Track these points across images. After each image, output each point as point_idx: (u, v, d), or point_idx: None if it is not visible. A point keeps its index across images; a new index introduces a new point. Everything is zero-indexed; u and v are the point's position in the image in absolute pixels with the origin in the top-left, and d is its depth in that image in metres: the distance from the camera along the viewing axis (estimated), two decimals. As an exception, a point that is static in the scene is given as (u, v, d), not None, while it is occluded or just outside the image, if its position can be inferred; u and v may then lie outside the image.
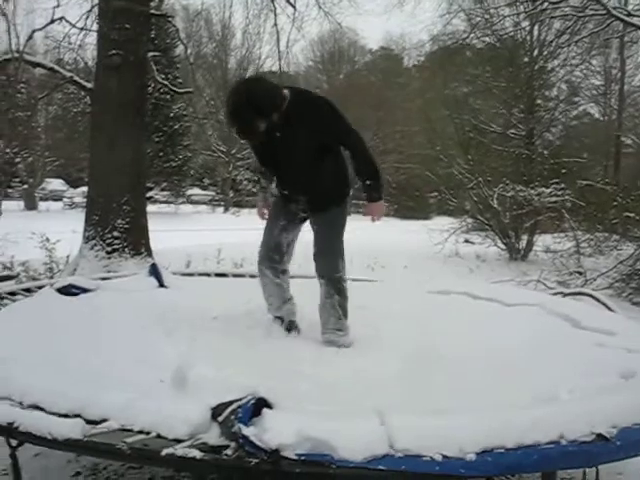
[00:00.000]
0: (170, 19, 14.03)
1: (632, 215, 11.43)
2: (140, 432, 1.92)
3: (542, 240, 15.35)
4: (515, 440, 1.93)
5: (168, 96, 27.57)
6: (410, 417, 2.03)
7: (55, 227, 11.11)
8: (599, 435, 2.00)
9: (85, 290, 4.29)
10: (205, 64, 39.88)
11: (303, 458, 1.75)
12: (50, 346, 2.95)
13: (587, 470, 2.36)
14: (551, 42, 17.81)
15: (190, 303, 4.18)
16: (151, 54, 10.74)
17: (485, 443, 1.90)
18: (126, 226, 9.16)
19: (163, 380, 2.59)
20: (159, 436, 1.86)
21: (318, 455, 1.77)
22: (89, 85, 10.05)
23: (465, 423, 1.98)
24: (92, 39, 11.04)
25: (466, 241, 16.99)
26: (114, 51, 8.98)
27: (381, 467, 1.77)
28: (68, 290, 4.23)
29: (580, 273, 11.34)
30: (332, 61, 49.99)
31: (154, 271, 4.82)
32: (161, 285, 4.70)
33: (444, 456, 1.81)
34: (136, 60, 9.23)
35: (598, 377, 2.57)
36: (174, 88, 14.55)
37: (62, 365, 2.60)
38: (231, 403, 1.87)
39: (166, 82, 13.47)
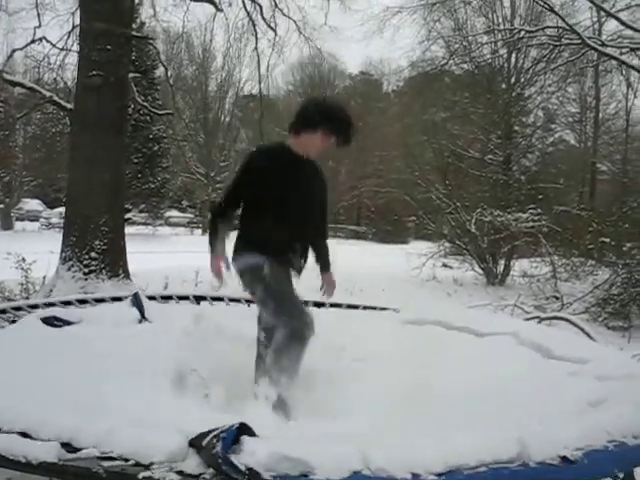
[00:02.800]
0: (151, 41, 14.10)
1: (607, 240, 11.58)
2: (118, 459, 1.90)
3: (519, 265, 15.48)
4: (483, 461, 1.96)
5: (148, 117, 27.54)
6: (385, 443, 2.05)
7: (32, 247, 10.97)
8: (563, 457, 2.05)
9: (68, 323, 4.27)
10: (185, 86, 39.97)
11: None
12: (33, 376, 2.93)
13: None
14: (528, 70, 18.15)
15: (173, 335, 4.15)
16: (131, 75, 10.75)
17: (454, 464, 1.93)
18: (104, 247, 9.10)
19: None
20: (137, 464, 1.84)
21: (296, 477, 1.76)
22: (69, 105, 10.04)
23: (435, 446, 2.00)
24: (72, 59, 11.08)
25: (444, 265, 17.07)
26: (94, 72, 8.98)
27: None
28: (51, 322, 4.21)
29: (557, 298, 11.45)
30: (312, 85, 50.25)
31: (136, 302, 4.79)
32: (143, 317, 4.67)
33: (414, 475, 1.83)
34: (116, 81, 9.23)
35: (568, 406, 2.60)
36: (154, 109, 14.54)
37: (44, 394, 2.57)
38: (211, 432, 1.86)
39: (146, 103, 13.51)
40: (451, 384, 3.39)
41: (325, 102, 3.79)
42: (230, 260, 3.58)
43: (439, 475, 1.88)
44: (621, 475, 2.39)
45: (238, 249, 3.60)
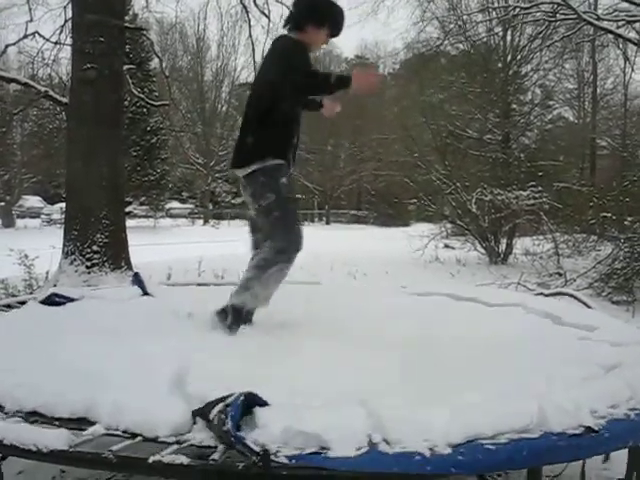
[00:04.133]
0: (145, 32, 14.04)
1: (609, 215, 11.56)
2: (124, 434, 1.91)
3: (521, 243, 15.48)
4: (504, 434, 1.94)
5: (144, 109, 27.52)
6: (399, 411, 2.03)
7: (33, 244, 10.99)
8: (587, 427, 2.01)
9: (70, 299, 4.27)
10: (181, 77, 39.89)
11: (294, 461, 1.74)
12: (38, 352, 2.93)
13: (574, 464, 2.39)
14: (524, 47, 18.05)
15: (176, 307, 4.15)
16: (126, 67, 10.71)
17: (472, 434, 1.91)
18: (105, 240, 9.10)
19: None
20: (144, 439, 1.85)
21: (310, 456, 1.76)
22: (64, 100, 10.01)
23: (451, 416, 1.98)
24: (66, 54, 11.04)
25: (446, 246, 17.07)
26: (89, 65, 8.94)
27: (373, 469, 1.76)
28: (52, 300, 4.21)
29: (560, 274, 11.45)
30: (308, 71, 50.07)
31: (137, 280, 4.80)
32: (145, 293, 4.67)
33: (432, 452, 1.81)
34: (111, 74, 9.19)
35: (581, 369, 2.59)
36: (150, 101, 14.51)
37: (51, 370, 2.58)
38: (219, 401, 1.86)
39: (142, 95, 13.44)
40: (462, 350, 3.37)
41: None
42: (246, 159, 3.40)
43: (457, 447, 1.87)
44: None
45: (258, 149, 3.38)
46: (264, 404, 1.94)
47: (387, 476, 1.79)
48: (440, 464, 1.80)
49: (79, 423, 2.04)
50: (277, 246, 3.28)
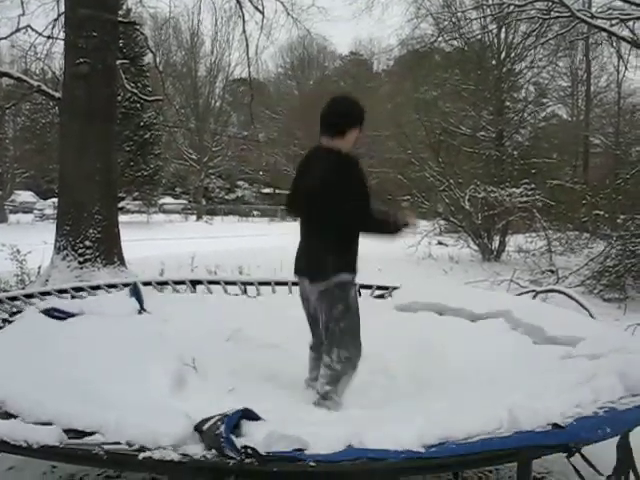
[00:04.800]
0: (138, 27, 14.00)
1: (601, 213, 11.60)
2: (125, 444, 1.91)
3: (514, 240, 15.52)
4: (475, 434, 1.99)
5: (138, 105, 27.41)
6: (377, 420, 2.08)
7: (26, 239, 10.96)
8: (554, 425, 2.07)
9: (70, 314, 4.28)
10: (174, 72, 39.76)
11: (278, 455, 1.76)
12: (40, 368, 2.96)
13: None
14: (518, 44, 18.04)
15: (171, 324, 4.19)
16: (119, 62, 10.67)
17: (444, 437, 1.96)
18: (98, 235, 9.07)
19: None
20: (142, 448, 1.85)
21: (293, 452, 1.78)
22: (57, 94, 9.97)
23: (425, 420, 2.03)
24: (59, 48, 10.99)
25: (439, 243, 17.09)
26: (82, 59, 8.91)
27: (351, 458, 1.79)
28: (52, 314, 4.22)
29: (552, 271, 11.48)
30: (302, 67, 50.07)
31: (135, 292, 4.81)
32: (142, 308, 4.70)
33: (407, 450, 1.85)
34: (104, 68, 9.16)
35: (558, 385, 2.63)
36: (143, 96, 14.46)
37: (53, 384, 2.59)
38: (215, 416, 1.87)
39: (135, 90, 13.39)
40: (442, 366, 3.44)
41: (353, 99, 3.91)
42: (324, 274, 3.56)
43: (430, 447, 1.90)
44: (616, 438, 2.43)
45: (337, 265, 3.58)
46: (257, 419, 1.97)
47: (364, 464, 1.82)
48: (414, 453, 1.84)
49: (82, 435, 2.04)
50: (345, 355, 3.54)
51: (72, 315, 4.30)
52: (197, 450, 1.82)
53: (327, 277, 3.53)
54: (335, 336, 3.57)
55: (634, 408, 2.37)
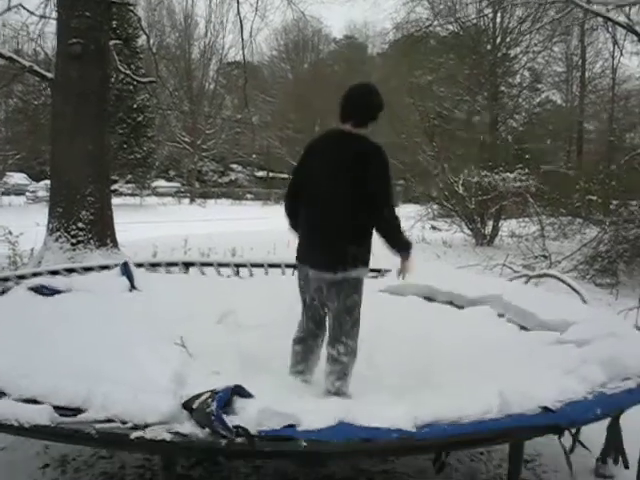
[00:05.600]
0: (131, 8, 13.87)
1: (594, 198, 11.62)
2: (112, 420, 1.90)
3: (507, 225, 15.53)
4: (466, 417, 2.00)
5: (131, 87, 27.20)
6: (368, 401, 2.08)
7: (18, 221, 10.91)
8: (544, 408, 2.08)
9: (58, 291, 4.25)
10: (168, 54, 39.43)
11: (271, 435, 1.75)
12: (28, 344, 2.93)
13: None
14: (513, 29, 17.97)
15: (162, 301, 4.17)
16: (112, 43, 10.58)
17: (436, 417, 1.96)
18: (91, 217, 9.04)
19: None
20: (133, 427, 1.85)
21: (284, 429, 1.78)
22: (50, 75, 9.88)
23: (416, 402, 2.03)
24: (52, 28, 10.85)
25: (433, 227, 17.10)
26: (74, 40, 8.82)
27: (342, 437, 1.79)
28: (41, 290, 4.19)
29: (545, 256, 11.51)
30: (296, 50, 49.77)
31: (126, 271, 4.76)
32: (132, 287, 4.66)
33: (399, 430, 1.85)
34: (97, 49, 9.08)
35: (546, 371, 2.63)
36: (137, 77, 14.35)
37: (39, 362, 2.57)
38: (205, 393, 1.86)
39: (128, 72, 13.28)
40: (432, 351, 3.45)
41: (379, 93, 3.80)
42: (341, 266, 3.52)
43: (422, 427, 1.89)
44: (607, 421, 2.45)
45: (355, 258, 3.54)
46: (249, 396, 1.95)
47: (359, 447, 1.82)
48: (407, 432, 1.84)
49: (73, 411, 2.03)
50: (352, 346, 3.56)
51: (60, 292, 4.27)
52: (187, 428, 1.82)
53: (345, 269, 3.49)
54: (345, 327, 3.56)
55: (622, 392, 2.39)
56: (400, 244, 3.59)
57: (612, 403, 2.36)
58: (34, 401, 2.05)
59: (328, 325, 3.67)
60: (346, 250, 3.48)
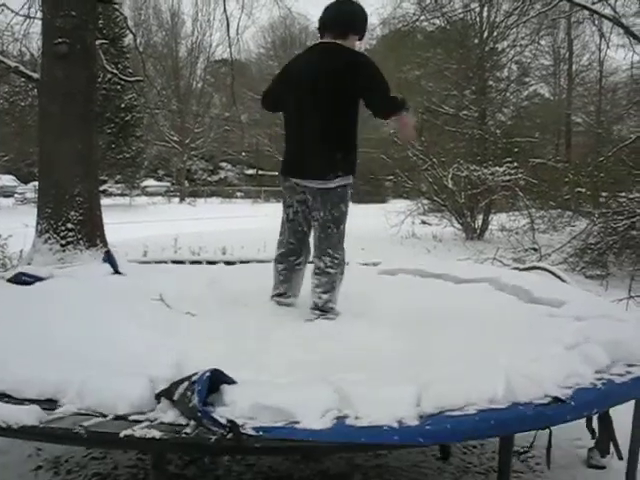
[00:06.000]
0: (117, 6, 13.79)
1: (583, 191, 11.65)
2: (89, 412, 1.88)
3: (497, 219, 15.59)
4: (471, 405, 1.95)
5: (119, 86, 27.11)
6: (367, 387, 2.04)
7: (7, 223, 10.87)
8: (554, 398, 2.03)
9: (38, 278, 4.19)
10: (155, 53, 39.36)
11: (262, 432, 1.74)
12: (5, 330, 2.88)
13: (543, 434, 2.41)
14: (500, 23, 17.99)
15: (146, 286, 4.12)
16: (99, 42, 10.52)
17: (439, 407, 1.92)
18: (80, 218, 8.98)
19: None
20: (115, 417, 1.83)
21: (278, 428, 1.76)
22: (35, 75, 9.82)
23: (418, 390, 1.99)
24: (37, 28, 10.79)
25: (423, 222, 17.12)
26: (60, 39, 8.76)
27: (340, 439, 1.76)
28: (20, 279, 4.12)
29: (535, 249, 11.56)
30: (284, 47, 49.65)
31: (109, 258, 4.71)
32: (116, 272, 4.60)
33: (400, 424, 1.82)
34: (83, 48, 9.02)
35: (546, 345, 2.60)
36: (124, 77, 14.30)
37: (18, 350, 2.54)
38: (184, 380, 1.84)
39: (115, 71, 13.23)
40: (430, 328, 3.41)
41: (357, 4, 3.91)
42: (332, 173, 3.53)
43: (424, 418, 1.87)
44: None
45: (346, 165, 3.57)
46: (231, 382, 1.93)
47: (356, 447, 1.80)
48: (408, 434, 1.81)
49: (49, 403, 2.00)
50: (338, 257, 3.60)
51: (41, 279, 4.21)
52: (171, 419, 1.80)
53: (336, 176, 3.48)
54: (332, 238, 3.56)
55: (631, 381, 2.34)
56: (400, 108, 3.59)
57: (621, 393, 2.31)
58: (6, 395, 2.02)
59: (313, 238, 3.66)
60: (335, 156, 3.48)
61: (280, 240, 3.82)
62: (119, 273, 4.58)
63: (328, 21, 3.67)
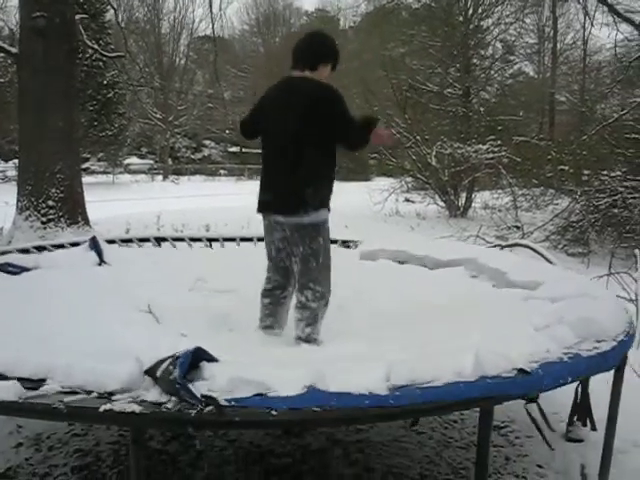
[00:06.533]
0: (98, -19, 13.60)
1: (566, 169, 11.69)
2: (77, 392, 1.87)
3: (481, 197, 15.64)
4: (441, 379, 1.99)
5: (100, 63, 26.75)
6: (340, 364, 2.06)
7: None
8: (520, 369, 2.08)
9: (25, 269, 4.17)
10: (137, 29, 38.89)
11: (240, 404, 1.74)
12: None
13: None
14: (485, 0, 17.95)
15: (131, 276, 4.12)
16: (79, 17, 10.37)
17: (412, 380, 1.94)
18: (61, 195, 8.92)
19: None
20: (98, 395, 1.82)
21: (253, 398, 1.77)
22: (14, 50, 9.67)
23: (388, 364, 2.01)
24: (14, 1, 10.63)
25: (406, 200, 17.14)
26: (38, 13, 8.63)
27: (315, 406, 1.78)
28: (5, 269, 4.11)
29: (518, 227, 11.62)
30: (267, 24, 49.31)
31: (94, 245, 4.68)
32: (102, 261, 4.59)
33: (371, 393, 1.85)
34: (63, 23, 8.90)
35: (519, 329, 2.63)
36: (105, 52, 14.12)
37: (5, 334, 2.52)
38: (168, 358, 1.83)
39: (96, 46, 13.06)
40: (404, 310, 3.45)
41: (328, 35, 3.89)
42: (302, 208, 3.51)
43: (394, 390, 1.89)
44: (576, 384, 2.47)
45: (316, 199, 3.54)
46: (212, 360, 1.93)
47: (328, 411, 1.82)
48: (378, 398, 1.83)
49: (34, 382, 1.99)
50: (320, 291, 3.57)
51: (27, 269, 4.20)
52: (154, 396, 1.80)
53: (307, 212, 3.49)
54: (312, 272, 3.56)
55: (598, 355, 2.39)
56: (365, 138, 3.58)
57: (588, 366, 2.35)
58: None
59: (296, 273, 3.66)
60: (306, 193, 3.48)
61: (267, 277, 3.87)
62: (104, 262, 4.57)
63: (299, 53, 3.70)
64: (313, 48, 3.71)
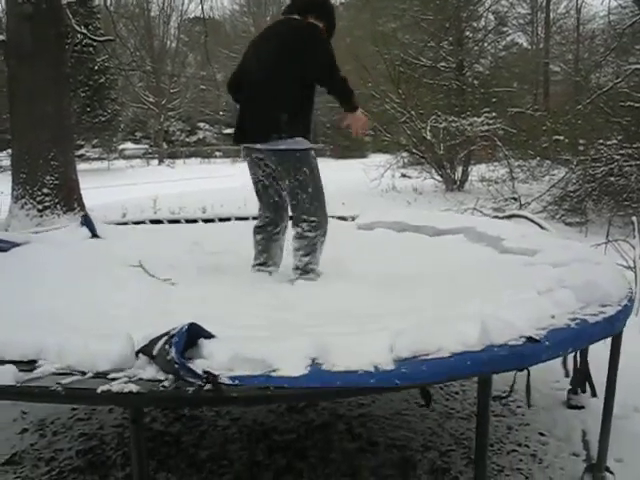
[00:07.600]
0: (84, -36, 13.45)
1: (562, 139, 11.67)
2: (71, 372, 1.86)
3: (477, 170, 15.62)
4: (446, 348, 1.96)
5: (91, 48, 26.57)
6: (343, 337, 2.04)
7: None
8: (529, 337, 2.05)
9: (15, 244, 4.13)
10: (127, 13, 38.49)
11: (239, 381, 1.74)
12: None
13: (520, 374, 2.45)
14: (476, -30, 17.80)
15: (125, 250, 4.09)
16: (66, 2, 10.26)
17: (417, 351, 1.92)
18: (56, 182, 8.89)
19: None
20: (94, 375, 1.82)
21: (255, 377, 1.76)
22: (1, 37, 9.59)
23: (392, 336, 1.99)
24: (1, -12, 10.51)
25: (403, 175, 17.12)
26: (25, -1, 8.55)
27: (317, 384, 1.77)
28: None
29: (515, 199, 11.62)
30: (258, 3, 48.85)
31: (86, 222, 4.65)
32: (94, 235, 4.55)
33: (376, 369, 1.82)
34: (50, 8, 8.82)
35: (521, 290, 2.61)
36: (94, 37, 14.01)
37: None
38: (163, 336, 1.82)
39: (85, 31, 12.95)
40: (406, 277, 3.44)
41: None
42: (280, 134, 3.53)
43: (399, 362, 1.88)
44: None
45: (293, 124, 3.55)
46: (209, 336, 1.92)
47: (331, 390, 1.81)
48: (384, 377, 1.81)
49: (27, 364, 1.99)
50: (316, 222, 3.60)
51: (17, 244, 4.16)
52: (151, 373, 1.79)
53: (281, 137, 3.50)
54: (303, 204, 3.59)
55: (603, 320, 2.36)
56: (352, 106, 3.69)
57: (595, 332, 2.33)
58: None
59: (289, 207, 3.72)
60: (283, 118, 3.50)
61: (259, 214, 3.86)
62: (97, 236, 4.54)
63: (293, 3, 3.81)
64: (305, 2, 3.78)
